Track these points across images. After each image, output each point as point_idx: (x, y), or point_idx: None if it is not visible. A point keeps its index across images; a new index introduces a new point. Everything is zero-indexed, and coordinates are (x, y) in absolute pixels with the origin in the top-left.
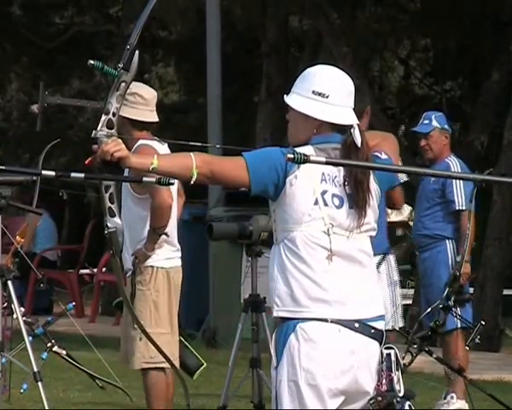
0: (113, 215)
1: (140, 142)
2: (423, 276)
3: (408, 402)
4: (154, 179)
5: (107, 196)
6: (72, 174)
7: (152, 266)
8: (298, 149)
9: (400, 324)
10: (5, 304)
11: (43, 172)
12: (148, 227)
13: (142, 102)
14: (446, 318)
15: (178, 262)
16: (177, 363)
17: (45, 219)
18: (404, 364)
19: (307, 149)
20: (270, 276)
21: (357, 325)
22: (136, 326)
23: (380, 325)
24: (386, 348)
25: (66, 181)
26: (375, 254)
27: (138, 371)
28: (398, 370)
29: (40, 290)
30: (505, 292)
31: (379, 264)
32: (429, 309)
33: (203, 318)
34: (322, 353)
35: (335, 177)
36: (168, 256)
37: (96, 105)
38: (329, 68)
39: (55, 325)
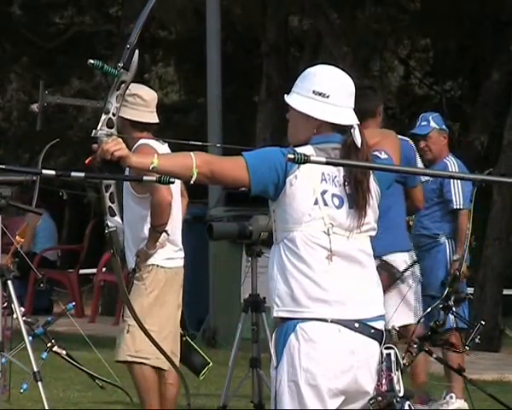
0: (113, 215)
1: (140, 141)
2: (422, 275)
3: (408, 402)
4: (154, 178)
5: (107, 195)
6: (73, 174)
7: (152, 265)
8: (298, 149)
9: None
10: (5, 304)
11: (44, 171)
12: (148, 226)
13: (141, 103)
14: (446, 318)
15: (180, 263)
16: (160, 362)
17: (45, 218)
18: (403, 364)
19: (307, 149)
20: (270, 276)
21: (357, 324)
22: (126, 318)
23: (380, 324)
24: (386, 348)
25: (66, 181)
26: (399, 252)
27: (119, 362)
28: (397, 370)
29: (40, 290)
30: (505, 292)
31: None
32: (429, 309)
33: (203, 318)
34: (322, 353)
35: (335, 177)
36: (169, 256)
37: (96, 105)
38: (330, 68)
39: (55, 324)
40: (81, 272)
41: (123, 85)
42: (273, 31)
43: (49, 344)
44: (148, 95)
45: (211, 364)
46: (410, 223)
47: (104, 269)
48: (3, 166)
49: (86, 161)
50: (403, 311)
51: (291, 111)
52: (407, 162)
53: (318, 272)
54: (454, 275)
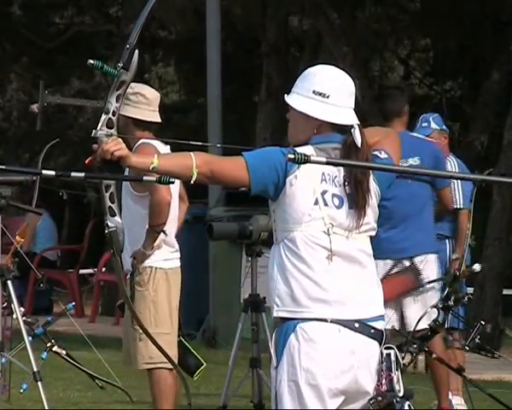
0: (113, 214)
1: (141, 141)
2: None
3: (407, 402)
4: (154, 178)
5: (107, 195)
6: (73, 174)
7: (150, 267)
8: (298, 149)
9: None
10: (5, 304)
11: (44, 171)
12: (146, 226)
13: (144, 101)
14: (446, 318)
15: (177, 263)
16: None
17: (45, 218)
18: (403, 364)
19: (307, 149)
20: (270, 276)
21: (357, 324)
22: (136, 326)
23: (380, 324)
24: (386, 348)
25: (66, 181)
26: (430, 253)
27: (138, 371)
28: (397, 370)
29: (40, 290)
30: (505, 292)
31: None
32: (429, 309)
33: (203, 318)
34: (322, 353)
35: (335, 177)
36: (167, 257)
37: (96, 104)
38: (330, 68)
39: (55, 324)
40: (81, 271)
41: (123, 85)
42: (273, 31)
43: (48, 344)
44: (151, 94)
45: (205, 365)
46: None
47: (104, 269)
48: (3, 167)
49: (86, 161)
50: (427, 316)
51: (291, 111)
52: (436, 165)
53: (318, 272)
54: (454, 275)
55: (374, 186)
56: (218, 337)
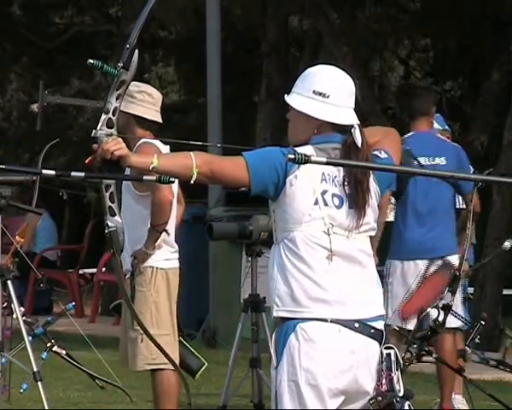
0: (113, 214)
1: (142, 140)
2: None
3: (407, 402)
4: (154, 178)
5: (107, 195)
6: (73, 173)
7: (151, 267)
8: (298, 149)
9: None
10: (5, 304)
11: (44, 171)
12: (147, 226)
13: (150, 100)
14: (446, 317)
15: (177, 263)
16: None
17: (45, 218)
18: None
19: (307, 149)
20: (270, 276)
21: (357, 324)
22: (136, 327)
23: (379, 324)
24: (386, 348)
25: (66, 181)
26: (455, 254)
27: (138, 372)
28: (397, 370)
29: (40, 290)
30: (505, 292)
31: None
32: (429, 309)
33: (203, 318)
34: (322, 353)
35: (335, 177)
36: (167, 257)
37: (96, 104)
38: (330, 68)
39: (55, 324)
40: (81, 271)
41: (123, 85)
42: (273, 31)
43: (48, 344)
44: (157, 94)
45: (206, 365)
46: None
47: (104, 269)
48: (3, 166)
49: (86, 161)
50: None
51: (291, 111)
52: (460, 168)
53: (318, 272)
54: (454, 275)
55: (374, 186)
56: (218, 337)
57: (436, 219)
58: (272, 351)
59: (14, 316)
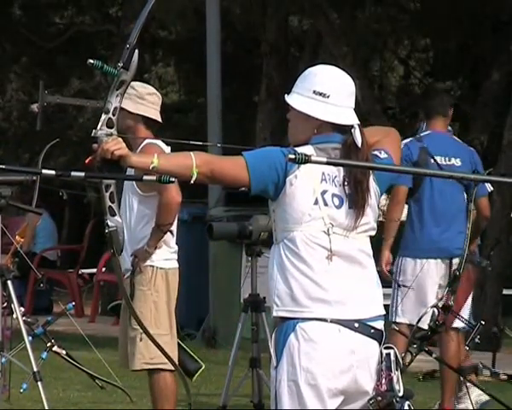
0: (113, 214)
1: (147, 141)
2: None
3: (407, 402)
4: (154, 178)
5: (107, 195)
6: (73, 173)
7: (152, 266)
8: (298, 149)
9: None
10: (5, 304)
11: (44, 171)
12: (149, 226)
13: (158, 102)
14: (446, 318)
15: (176, 264)
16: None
17: (45, 218)
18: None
19: (307, 149)
20: (270, 276)
21: (356, 324)
22: (135, 326)
23: (379, 324)
24: (385, 348)
25: (66, 181)
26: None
27: (138, 372)
28: (397, 370)
29: (40, 290)
30: (505, 292)
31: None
32: (429, 309)
33: (203, 318)
34: (322, 353)
35: (335, 177)
36: (167, 257)
37: (96, 104)
38: (330, 68)
39: (55, 324)
40: (81, 271)
41: (123, 85)
42: (273, 31)
43: (48, 344)
44: (159, 94)
45: (203, 367)
46: None
47: (104, 269)
48: (3, 166)
49: (86, 161)
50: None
51: (291, 111)
52: (473, 170)
53: (318, 272)
54: (454, 275)
55: (374, 186)
56: (218, 337)
57: (451, 220)
58: (272, 351)
59: (14, 316)
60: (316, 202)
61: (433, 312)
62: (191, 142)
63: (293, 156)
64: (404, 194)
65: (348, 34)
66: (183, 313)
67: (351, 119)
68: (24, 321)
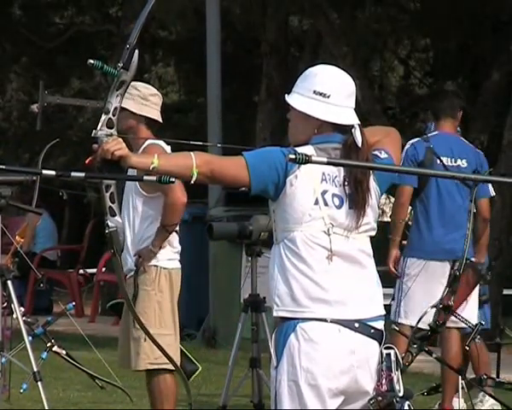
0: (113, 214)
1: (149, 141)
2: None
3: (407, 402)
4: (154, 178)
5: (107, 195)
6: (73, 174)
7: (156, 266)
8: (298, 149)
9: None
10: (5, 304)
11: (44, 171)
12: (153, 226)
13: (160, 103)
14: (446, 318)
15: (179, 264)
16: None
17: (45, 218)
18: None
19: (307, 149)
20: (270, 276)
21: (357, 324)
22: (138, 326)
23: (379, 324)
24: (385, 348)
25: (66, 181)
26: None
27: (138, 372)
28: (397, 370)
29: (40, 290)
30: (505, 292)
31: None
32: (429, 309)
33: (203, 318)
34: (322, 353)
35: (335, 177)
36: (170, 257)
37: (96, 104)
38: (331, 68)
39: (55, 324)
40: (81, 271)
41: (123, 85)
42: (273, 31)
43: (48, 344)
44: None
45: (200, 368)
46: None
47: (104, 269)
48: (3, 167)
49: (86, 161)
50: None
51: (292, 111)
52: (479, 172)
53: (318, 272)
54: (454, 275)
55: (374, 186)
56: (218, 337)
57: (458, 221)
58: (272, 351)
59: (14, 316)
60: (316, 202)
61: (434, 312)
62: (191, 142)
63: (293, 156)
64: (409, 194)
65: (348, 34)
66: (183, 313)
67: (351, 119)
68: (24, 321)
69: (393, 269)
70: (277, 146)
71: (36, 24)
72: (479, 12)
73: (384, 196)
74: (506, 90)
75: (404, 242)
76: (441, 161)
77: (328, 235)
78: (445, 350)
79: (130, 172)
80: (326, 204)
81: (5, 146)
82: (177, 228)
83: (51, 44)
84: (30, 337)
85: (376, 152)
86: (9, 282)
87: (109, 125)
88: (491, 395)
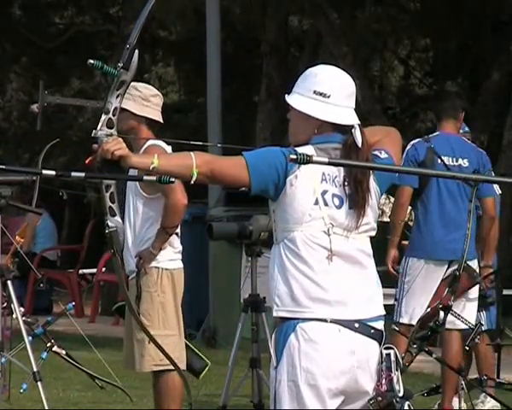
0: (113, 215)
1: (150, 142)
2: None
3: (407, 402)
4: (154, 178)
5: (107, 195)
6: (73, 174)
7: (157, 268)
8: (298, 149)
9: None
10: (5, 304)
11: (44, 171)
12: (154, 228)
13: (161, 103)
14: (446, 318)
15: (181, 264)
16: (183, 365)
17: (45, 218)
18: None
19: (308, 149)
20: (271, 276)
21: (357, 325)
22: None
23: (379, 325)
24: (385, 349)
25: (66, 181)
26: (475, 259)
27: (138, 372)
28: (397, 370)
29: (40, 290)
30: (505, 292)
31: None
32: (429, 309)
33: (203, 318)
34: (322, 353)
35: (335, 177)
36: (171, 258)
37: (96, 105)
38: (331, 68)
39: (55, 324)
40: (80, 271)
41: (123, 85)
42: (273, 31)
43: (48, 344)
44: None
45: (210, 364)
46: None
47: (104, 269)
48: (3, 166)
49: (86, 161)
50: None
51: (292, 111)
52: (481, 173)
53: (318, 272)
54: (454, 275)
55: (374, 186)
56: (218, 337)
57: (458, 222)
58: (272, 351)
59: (14, 316)
60: (316, 202)
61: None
62: (191, 142)
63: (294, 157)
64: (409, 195)
65: (348, 34)
66: (183, 313)
67: (351, 119)
68: (24, 321)
69: (392, 269)
70: (277, 146)
71: (36, 24)
72: (479, 12)
73: (384, 196)
74: (506, 90)
75: (404, 242)
76: (442, 160)
77: (328, 235)
78: (445, 350)
79: (131, 172)
80: (326, 204)
81: (5, 146)
82: (178, 229)
83: (51, 44)
84: (30, 337)
85: (376, 152)
86: (9, 282)
87: (109, 125)
88: (492, 396)
